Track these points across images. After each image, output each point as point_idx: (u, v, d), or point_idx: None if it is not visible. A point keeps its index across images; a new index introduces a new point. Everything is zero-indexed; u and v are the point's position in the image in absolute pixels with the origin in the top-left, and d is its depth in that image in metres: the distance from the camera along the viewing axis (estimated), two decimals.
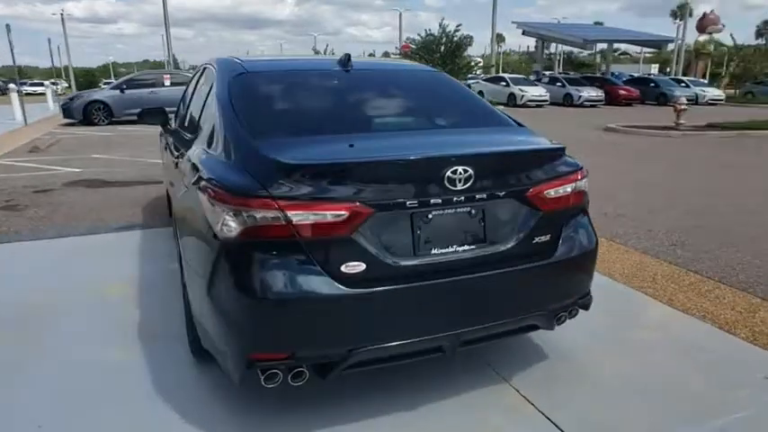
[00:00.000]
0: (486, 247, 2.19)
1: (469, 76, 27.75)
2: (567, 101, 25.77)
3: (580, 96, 25.42)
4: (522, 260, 2.25)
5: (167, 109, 4.06)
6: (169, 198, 4.87)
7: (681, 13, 73.44)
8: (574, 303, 2.46)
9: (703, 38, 44.66)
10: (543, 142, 2.47)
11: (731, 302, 3.46)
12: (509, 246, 2.23)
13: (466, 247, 2.16)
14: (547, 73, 30.20)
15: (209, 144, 2.51)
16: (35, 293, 3.58)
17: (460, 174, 2.06)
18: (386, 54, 41.82)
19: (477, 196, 2.13)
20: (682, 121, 15.45)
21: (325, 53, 46.49)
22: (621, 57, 77.09)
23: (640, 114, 21.20)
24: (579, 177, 2.40)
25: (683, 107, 15.66)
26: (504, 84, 25.92)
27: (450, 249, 2.13)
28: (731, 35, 43.99)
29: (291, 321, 1.96)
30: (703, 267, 4.11)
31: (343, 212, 1.93)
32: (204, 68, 3.54)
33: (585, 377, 2.64)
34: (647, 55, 71.38)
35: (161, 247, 4.51)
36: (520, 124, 2.77)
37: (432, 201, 2.06)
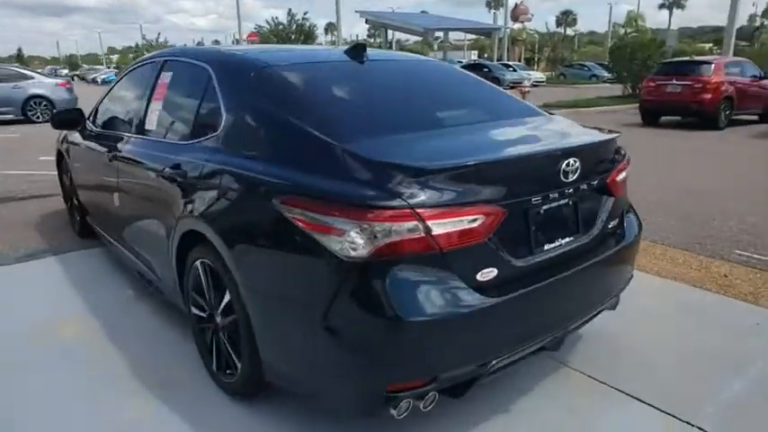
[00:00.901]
0: (581, 237, 2.18)
1: None
2: None
3: None
4: (606, 246, 2.28)
5: None
6: (76, 212, 4.37)
7: (495, 3, 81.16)
8: (628, 283, 2.57)
9: (517, 26, 49.76)
10: (601, 131, 2.51)
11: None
12: (596, 234, 2.24)
13: (567, 240, 2.12)
14: None
15: (251, 149, 2.14)
16: None
17: (572, 165, 2.01)
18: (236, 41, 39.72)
19: (580, 187, 2.10)
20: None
21: (157, 42, 42.90)
22: (444, 44, 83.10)
23: None
24: (628, 163, 2.49)
25: (527, 90, 17.33)
26: None
27: (556, 243, 2.08)
28: (546, 24, 49.96)
29: (436, 343, 1.75)
30: None
31: (480, 216, 1.77)
32: (168, 62, 3.01)
33: (631, 349, 2.78)
34: (467, 42, 77.56)
35: (91, 273, 3.79)
36: (550, 112, 2.79)
37: (550, 195, 1.98)
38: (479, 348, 1.85)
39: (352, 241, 1.67)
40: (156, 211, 2.74)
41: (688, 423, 2.20)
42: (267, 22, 24.38)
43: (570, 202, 2.12)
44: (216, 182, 2.21)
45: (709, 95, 12.03)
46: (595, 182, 2.21)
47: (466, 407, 2.20)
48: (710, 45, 44.28)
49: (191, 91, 2.72)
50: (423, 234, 1.68)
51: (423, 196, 1.69)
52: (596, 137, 2.29)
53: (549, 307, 2.05)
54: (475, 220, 1.76)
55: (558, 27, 72.21)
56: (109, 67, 52.47)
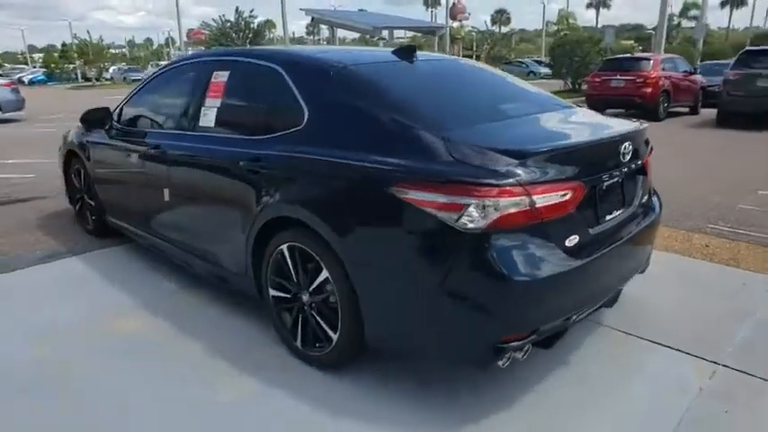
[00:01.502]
0: (627, 210, 2.57)
1: None
2: None
3: None
4: (643, 217, 2.68)
5: None
6: (89, 212, 4.44)
7: (432, 2, 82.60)
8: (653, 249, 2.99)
9: (455, 24, 51.05)
10: (631, 121, 2.90)
11: None
12: (636, 207, 2.64)
13: (619, 212, 2.50)
14: None
15: (346, 140, 2.37)
16: (31, 350, 2.84)
17: (627, 148, 2.38)
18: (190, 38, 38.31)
19: (632, 166, 2.49)
20: None
21: (90, 39, 40.93)
22: (388, 43, 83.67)
23: None
24: (652, 149, 2.90)
25: None
26: None
27: (613, 215, 2.45)
28: (485, 22, 51.39)
29: (539, 299, 2.07)
30: None
31: (569, 191, 2.10)
32: (222, 62, 3.19)
33: (649, 308, 3.21)
34: (406, 40, 78.56)
35: (122, 270, 3.86)
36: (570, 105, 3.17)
37: (612, 173, 2.35)
38: (567, 304, 2.19)
39: (471, 215, 1.96)
40: (225, 203, 2.91)
41: (714, 362, 2.63)
42: (214, 20, 23.97)
43: (621, 180, 2.50)
44: (313, 171, 2.42)
45: (649, 89, 13.03)
46: (637, 163, 2.59)
47: (530, 362, 2.53)
48: (632, 42, 46.94)
49: (259, 89, 2.92)
50: (528, 207, 2.00)
51: (527, 175, 2.01)
52: (637, 126, 2.68)
53: (610, 268, 2.42)
54: (565, 195, 2.09)
55: (493, 25, 74.38)
56: (35, 67, 49.40)
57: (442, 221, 2.00)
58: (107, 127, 3.93)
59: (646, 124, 2.75)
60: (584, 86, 17.23)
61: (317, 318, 2.54)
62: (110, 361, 2.74)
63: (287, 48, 3.47)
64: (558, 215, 2.09)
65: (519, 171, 2.00)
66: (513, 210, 1.97)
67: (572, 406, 2.34)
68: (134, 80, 42.13)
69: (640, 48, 42.95)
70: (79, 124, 4.37)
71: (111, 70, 43.58)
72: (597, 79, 14.10)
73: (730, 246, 4.28)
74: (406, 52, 2.98)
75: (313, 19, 30.38)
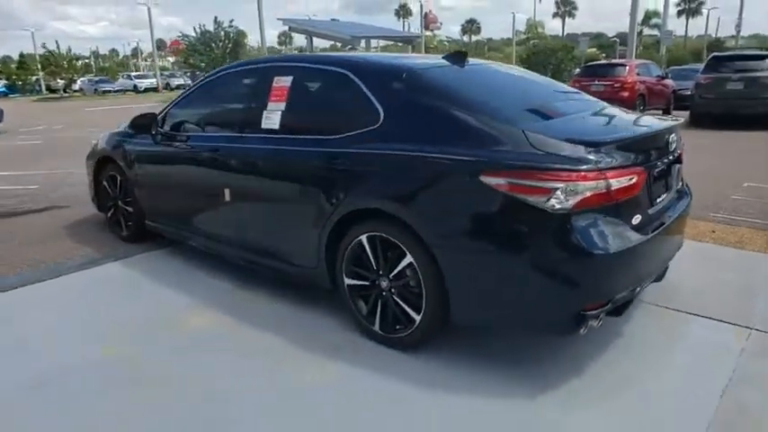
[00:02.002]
0: (669, 194, 2.87)
1: None
2: None
3: None
4: (680, 201, 3.00)
5: None
6: (124, 218, 4.55)
7: (404, 12, 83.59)
8: None
9: (427, 34, 51.94)
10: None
11: None
12: (675, 192, 2.95)
13: (664, 195, 2.80)
14: None
15: (427, 136, 2.61)
16: (112, 349, 2.97)
17: (673, 139, 2.69)
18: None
19: (674, 155, 2.79)
20: None
21: (59, 50, 39.98)
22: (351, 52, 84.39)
23: None
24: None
25: None
26: None
27: (661, 198, 2.75)
28: (460, 31, 52.78)
29: (614, 271, 2.34)
30: None
31: (635, 176, 2.39)
32: (282, 68, 3.40)
33: (680, 285, 3.51)
34: (378, 49, 79.35)
35: (172, 272, 4.00)
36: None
37: (662, 160, 2.65)
38: (635, 275, 2.47)
39: (558, 198, 2.22)
40: (296, 200, 3.11)
41: (747, 327, 2.95)
42: (194, 29, 23.90)
43: (666, 168, 2.80)
44: (399, 165, 2.64)
45: (627, 93, 13.67)
46: (676, 153, 2.91)
47: (589, 336, 2.79)
48: (595, 50, 48.47)
49: (329, 93, 3.15)
50: (605, 189, 2.27)
51: (603, 161, 2.28)
52: (678, 121, 2.99)
53: (663, 245, 2.72)
54: (632, 179, 2.37)
55: (464, 35, 76.09)
56: None
57: (531, 204, 2.25)
58: (153, 132, 4.06)
59: (682, 119, 3.07)
60: None
61: (399, 301, 2.75)
62: (189, 355, 2.88)
63: (353, 54, 3.71)
64: (626, 197, 2.37)
65: (596, 158, 2.28)
66: (593, 192, 2.24)
67: (633, 372, 2.61)
68: (105, 91, 41.43)
69: (604, 55, 44.26)
70: (117, 130, 4.51)
71: (79, 81, 42.65)
72: (577, 85, 14.64)
73: (733, 231, 4.67)
74: (457, 57, 3.24)
75: (290, 28, 30.54)
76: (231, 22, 23.31)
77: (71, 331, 3.19)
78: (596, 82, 14.20)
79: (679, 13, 60.26)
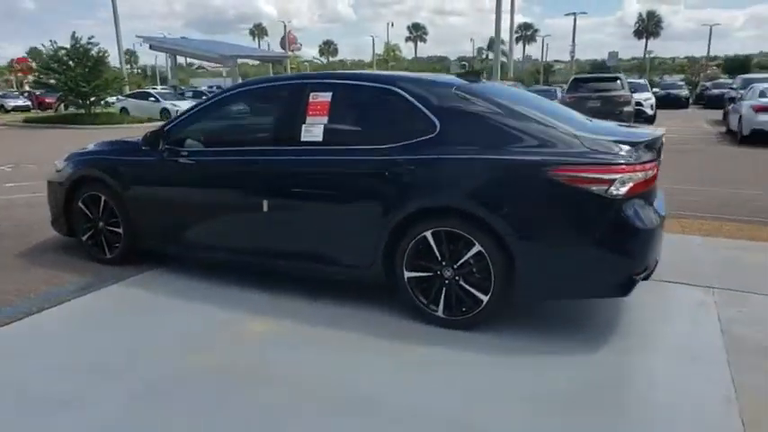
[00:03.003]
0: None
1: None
2: None
3: None
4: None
5: None
6: (108, 240, 4.36)
7: (259, 32, 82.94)
8: None
9: (290, 54, 52.33)
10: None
11: None
12: None
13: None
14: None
15: (486, 141, 3.08)
16: (202, 359, 2.96)
17: (664, 143, 3.44)
18: None
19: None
20: None
21: None
22: (199, 71, 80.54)
23: None
24: None
25: None
26: (153, 99, 25.00)
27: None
28: (320, 52, 53.75)
29: (651, 243, 2.98)
30: None
31: (654, 169, 3.06)
32: (320, 84, 3.63)
33: (677, 263, 4.30)
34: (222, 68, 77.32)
35: (189, 289, 3.95)
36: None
37: (660, 158, 3.38)
38: (658, 248, 3.14)
39: (617, 186, 2.80)
40: (352, 205, 3.39)
41: (709, 286, 3.80)
42: (43, 45, 21.75)
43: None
44: (467, 167, 3.07)
45: None
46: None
47: (590, 314, 3.43)
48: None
49: (378, 107, 3.47)
50: (642, 179, 2.90)
51: (639, 157, 2.93)
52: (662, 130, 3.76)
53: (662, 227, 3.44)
54: (653, 171, 3.04)
55: (321, 56, 77.58)
56: None
57: (594, 192, 2.82)
58: (160, 148, 3.99)
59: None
60: None
61: (465, 286, 3.15)
62: (280, 355, 3.02)
63: (395, 73, 4.04)
64: (651, 185, 3.04)
65: (637, 154, 2.92)
66: (637, 181, 2.87)
67: (656, 327, 3.28)
68: None
69: None
70: (97, 148, 4.32)
71: None
72: None
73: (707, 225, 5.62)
74: (472, 76, 3.75)
75: (151, 46, 28.95)
76: (90, 38, 21.55)
77: (148, 345, 3.13)
78: None
79: (517, 40, 68.35)
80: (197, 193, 3.95)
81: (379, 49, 57.86)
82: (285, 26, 42.99)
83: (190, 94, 28.26)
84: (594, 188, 2.83)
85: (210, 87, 30.95)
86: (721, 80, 35.03)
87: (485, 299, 3.11)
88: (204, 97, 4.25)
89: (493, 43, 68.74)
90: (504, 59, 61.51)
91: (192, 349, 3.08)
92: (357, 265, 3.45)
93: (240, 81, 4.45)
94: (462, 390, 2.65)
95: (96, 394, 2.62)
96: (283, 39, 50.94)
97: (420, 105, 3.27)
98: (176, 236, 4.11)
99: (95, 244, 4.49)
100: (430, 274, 3.24)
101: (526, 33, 62.76)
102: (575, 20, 51.43)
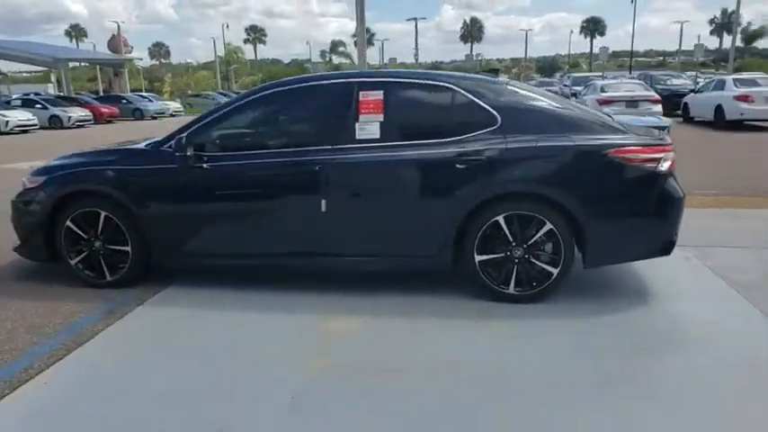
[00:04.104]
0: None
1: None
2: (56, 123, 23.71)
3: (70, 117, 23.90)
4: None
5: None
6: (94, 262, 3.96)
7: (77, 33, 74.37)
8: None
9: (127, 57, 47.88)
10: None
11: None
12: None
13: None
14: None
15: (545, 130, 3.47)
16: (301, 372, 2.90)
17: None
18: None
19: None
20: None
21: None
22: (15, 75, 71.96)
23: (141, 130, 22.38)
24: None
25: None
26: None
27: None
28: (150, 55, 49.57)
29: (682, 211, 3.58)
30: None
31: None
32: (372, 83, 3.71)
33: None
34: (36, 74, 69.39)
35: (240, 300, 3.78)
36: None
37: None
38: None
39: (662, 164, 3.37)
40: (422, 197, 3.55)
41: (709, 246, 4.61)
42: None
43: None
44: (536, 154, 3.40)
45: None
46: None
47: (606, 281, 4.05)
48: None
49: (434, 103, 3.67)
50: (673, 157, 3.52)
51: (669, 140, 3.54)
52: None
53: None
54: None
55: (152, 59, 72.00)
56: None
57: (647, 169, 3.36)
58: (187, 154, 3.69)
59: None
60: None
61: (536, 263, 3.50)
62: (388, 345, 3.12)
63: (444, 72, 4.16)
64: (673, 162, 3.68)
65: (667, 138, 3.52)
66: (672, 159, 3.47)
67: (670, 283, 3.94)
68: None
69: None
70: (98, 158, 3.87)
71: None
72: None
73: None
74: (493, 73, 4.12)
75: None
76: None
77: (247, 360, 2.95)
78: None
79: (356, 43, 70.49)
80: (239, 199, 3.74)
81: (212, 52, 55.46)
82: (119, 26, 39.20)
83: (18, 102, 24.60)
84: (647, 166, 3.37)
85: (38, 94, 27.03)
86: (545, 79, 40.05)
87: (555, 271, 3.49)
88: (226, 99, 3.99)
89: (336, 46, 70.95)
90: (348, 61, 63.50)
91: (303, 354, 3.01)
92: (426, 254, 3.61)
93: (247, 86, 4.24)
94: (543, 351, 3.00)
95: (249, 419, 2.47)
96: (113, 40, 46.51)
97: (477, 100, 3.54)
98: (213, 247, 3.86)
99: (89, 267, 3.99)
100: (501, 255, 3.53)
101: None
102: (416, 25, 55.17)
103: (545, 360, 2.90)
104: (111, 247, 3.92)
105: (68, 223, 3.92)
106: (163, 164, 3.77)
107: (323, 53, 68.28)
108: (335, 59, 63.10)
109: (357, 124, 3.60)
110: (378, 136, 3.58)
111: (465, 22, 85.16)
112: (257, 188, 3.71)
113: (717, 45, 73.86)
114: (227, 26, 77.83)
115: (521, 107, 3.58)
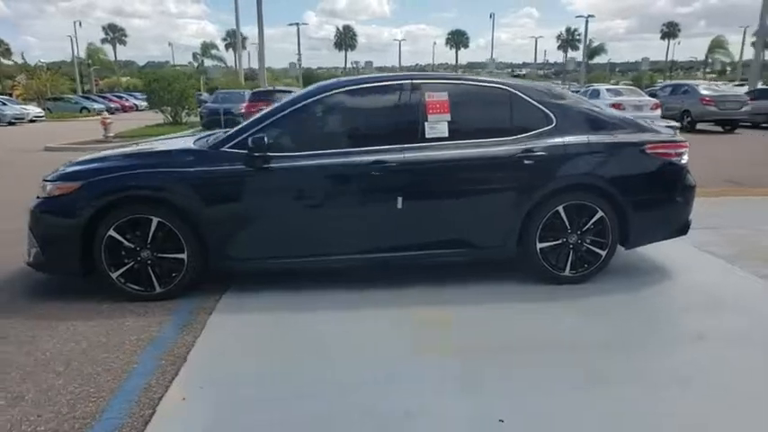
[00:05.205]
0: None
1: None
2: None
3: None
4: None
5: None
6: (139, 274, 3.67)
7: None
8: None
9: None
10: None
11: None
12: None
13: None
14: None
15: (591, 129, 3.92)
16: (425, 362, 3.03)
17: None
18: None
19: None
20: (111, 134, 16.45)
21: None
22: None
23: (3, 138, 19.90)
24: None
25: (110, 120, 16.70)
26: None
27: None
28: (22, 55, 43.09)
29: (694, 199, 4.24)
30: None
31: None
32: (435, 84, 3.93)
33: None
34: None
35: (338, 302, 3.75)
36: None
37: None
38: None
39: (683, 156, 4.00)
40: (492, 191, 3.83)
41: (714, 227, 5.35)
42: None
43: None
44: (586, 149, 3.83)
45: None
46: None
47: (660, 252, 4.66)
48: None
49: (495, 105, 3.94)
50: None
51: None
52: None
53: None
54: None
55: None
56: None
57: (673, 162, 3.96)
58: (254, 155, 3.59)
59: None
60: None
61: (589, 247, 3.94)
62: (488, 327, 3.35)
63: (502, 77, 4.36)
64: None
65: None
66: (687, 153, 4.12)
67: (687, 259, 4.61)
68: None
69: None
70: (158, 158, 3.62)
71: None
72: (252, 109, 16.00)
73: None
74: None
75: None
76: None
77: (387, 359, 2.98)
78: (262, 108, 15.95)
79: (227, 47, 68.55)
80: (311, 199, 3.72)
81: (55, 51, 50.20)
82: None
83: None
84: (674, 159, 3.97)
85: None
86: None
87: (603, 253, 3.96)
88: (286, 100, 3.95)
89: (207, 48, 67.81)
90: (221, 65, 61.12)
91: (422, 342, 3.14)
92: (494, 245, 3.89)
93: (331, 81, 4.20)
94: (617, 321, 3.45)
95: (428, 400, 2.58)
96: None
97: (534, 102, 3.90)
98: (282, 248, 3.77)
99: (134, 279, 3.68)
100: (559, 241, 3.92)
101: (233, 41, 62.89)
102: (298, 29, 55.05)
103: (623, 328, 3.36)
104: (162, 255, 3.65)
105: (111, 232, 3.58)
106: (228, 164, 3.61)
107: (195, 55, 65.05)
108: (207, 62, 60.40)
109: (426, 123, 3.77)
110: (446, 134, 3.78)
111: (338, 29, 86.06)
112: (331, 188, 3.72)
113: (562, 59, 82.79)
114: (80, 24, 70.83)
115: (570, 108, 4.00)
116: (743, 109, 16.68)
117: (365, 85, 3.99)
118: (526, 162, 3.77)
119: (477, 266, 4.18)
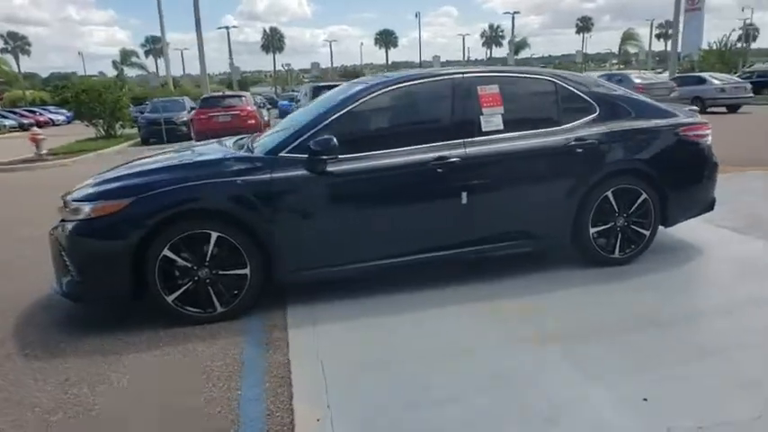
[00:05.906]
0: None
1: None
2: None
3: None
4: None
5: None
6: (200, 294, 3.42)
7: None
8: None
9: None
10: None
11: None
12: None
13: None
14: None
15: (630, 115, 4.07)
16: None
17: None
18: None
19: None
20: (44, 151, 15.09)
21: None
22: None
23: None
24: None
25: (42, 136, 15.35)
26: None
27: None
28: None
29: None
30: None
31: None
32: (485, 78, 3.90)
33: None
34: None
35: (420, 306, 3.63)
36: None
37: None
38: None
39: (708, 138, 4.23)
40: (550, 181, 3.87)
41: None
42: None
43: None
44: (635, 135, 3.97)
45: (253, 121, 15.42)
46: None
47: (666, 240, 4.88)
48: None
49: (541, 95, 4.02)
50: None
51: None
52: None
53: None
54: None
55: None
56: None
57: (701, 143, 4.18)
58: (316, 159, 3.44)
59: None
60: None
61: (635, 228, 4.08)
62: (570, 312, 3.39)
63: (545, 69, 4.35)
64: None
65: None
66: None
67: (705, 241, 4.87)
68: None
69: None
70: (222, 178, 3.42)
71: None
72: (203, 116, 15.38)
73: None
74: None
75: None
76: None
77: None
78: (222, 113, 15.34)
79: (146, 53, 66.18)
80: (378, 200, 3.62)
81: None
82: None
83: None
84: (702, 140, 4.19)
85: None
86: None
87: (647, 233, 4.12)
88: (336, 99, 3.82)
89: (127, 56, 64.43)
90: (143, 72, 58.26)
91: (518, 332, 3.13)
92: (551, 234, 3.95)
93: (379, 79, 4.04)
94: (666, 294, 3.64)
95: (566, 391, 2.58)
96: None
97: (578, 92, 3.99)
98: (351, 253, 3.63)
99: (192, 301, 3.43)
100: (608, 225, 4.03)
101: (155, 47, 60.16)
102: (228, 33, 53.81)
103: (691, 299, 3.60)
104: (222, 272, 3.42)
105: (167, 251, 3.31)
106: (291, 170, 3.44)
107: (114, 63, 61.47)
108: (127, 71, 57.38)
109: (482, 117, 3.77)
110: (501, 127, 3.79)
111: (265, 31, 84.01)
112: (397, 187, 3.63)
113: (485, 56, 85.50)
114: None
115: (610, 96, 4.12)
116: (672, 95, 17.88)
117: (418, 81, 3.91)
118: (578, 150, 3.85)
119: (514, 258, 4.10)
